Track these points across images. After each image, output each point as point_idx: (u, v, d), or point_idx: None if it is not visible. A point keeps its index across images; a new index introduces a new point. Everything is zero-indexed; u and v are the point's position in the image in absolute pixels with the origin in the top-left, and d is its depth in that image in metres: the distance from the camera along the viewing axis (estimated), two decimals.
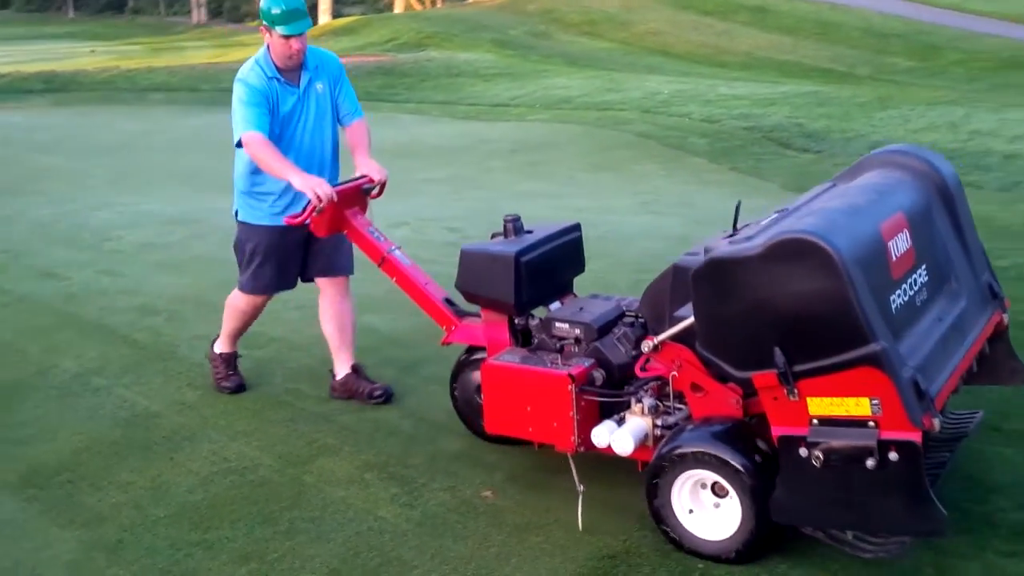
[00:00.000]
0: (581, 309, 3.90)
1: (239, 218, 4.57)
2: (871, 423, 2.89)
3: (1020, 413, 4.19)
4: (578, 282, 4.27)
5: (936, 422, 2.89)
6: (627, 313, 3.89)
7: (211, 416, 4.54)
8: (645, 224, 8.36)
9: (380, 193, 4.44)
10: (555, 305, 4.07)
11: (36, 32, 47.34)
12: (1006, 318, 3.73)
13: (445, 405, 4.36)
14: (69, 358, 5.30)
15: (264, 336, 5.44)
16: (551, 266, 4.02)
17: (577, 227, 4.23)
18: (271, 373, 5.03)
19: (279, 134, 4.34)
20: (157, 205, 9.33)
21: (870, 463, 2.89)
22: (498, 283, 3.87)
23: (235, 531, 3.58)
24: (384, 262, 4.31)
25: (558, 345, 3.80)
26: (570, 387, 3.53)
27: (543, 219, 4.32)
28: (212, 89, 18.81)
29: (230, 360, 4.88)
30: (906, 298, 3.22)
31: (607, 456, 3.53)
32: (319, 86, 4.45)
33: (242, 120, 4.22)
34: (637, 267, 6.41)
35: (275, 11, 4.24)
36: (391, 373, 4.92)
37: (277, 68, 4.34)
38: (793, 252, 2.90)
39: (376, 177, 4.34)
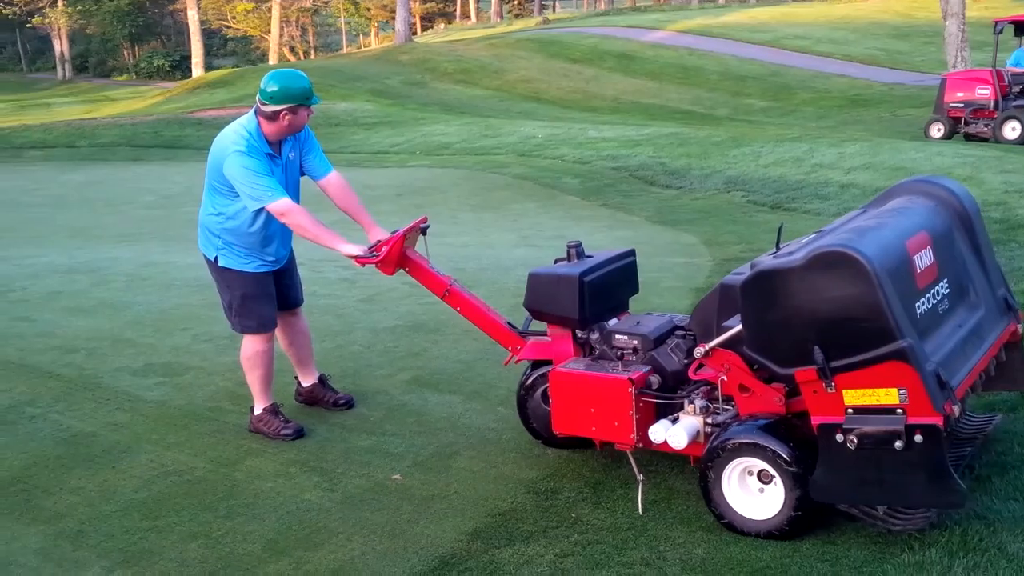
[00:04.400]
0: (638, 323, 4.31)
1: (222, 264, 4.79)
2: (899, 410, 3.28)
3: None
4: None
5: (956, 408, 3.29)
6: (679, 328, 4.30)
7: (144, 432, 5.06)
8: (523, 256, 9.15)
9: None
10: (613, 321, 4.44)
11: None
12: (1021, 328, 4.16)
13: (354, 412, 5.10)
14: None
15: (181, 365, 6.02)
16: (609, 286, 4.40)
17: (632, 253, 4.64)
18: (192, 395, 5.57)
19: None
20: (54, 257, 9.63)
21: (898, 445, 3.27)
22: (564, 301, 4.25)
23: (180, 518, 4.16)
24: (449, 294, 4.62)
25: (618, 354, 4.21)
26: (630, 390, 3.94)
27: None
28: (89, 145, 18.97)
29: (275, 410, 4.99)
30: (929, 306, 3.62)
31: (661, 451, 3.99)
32: (292, 155, 4.82)
33: (267, 188, 4.52)
34: (516, 293, 7.09)
35: (299, 88, 4.63)
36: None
37: (267, 142, 4.65)
38: (830, 263, 3.29)
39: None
